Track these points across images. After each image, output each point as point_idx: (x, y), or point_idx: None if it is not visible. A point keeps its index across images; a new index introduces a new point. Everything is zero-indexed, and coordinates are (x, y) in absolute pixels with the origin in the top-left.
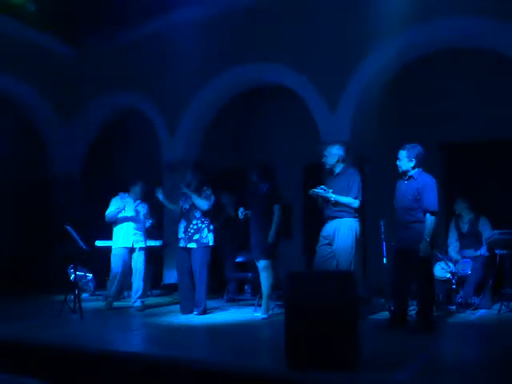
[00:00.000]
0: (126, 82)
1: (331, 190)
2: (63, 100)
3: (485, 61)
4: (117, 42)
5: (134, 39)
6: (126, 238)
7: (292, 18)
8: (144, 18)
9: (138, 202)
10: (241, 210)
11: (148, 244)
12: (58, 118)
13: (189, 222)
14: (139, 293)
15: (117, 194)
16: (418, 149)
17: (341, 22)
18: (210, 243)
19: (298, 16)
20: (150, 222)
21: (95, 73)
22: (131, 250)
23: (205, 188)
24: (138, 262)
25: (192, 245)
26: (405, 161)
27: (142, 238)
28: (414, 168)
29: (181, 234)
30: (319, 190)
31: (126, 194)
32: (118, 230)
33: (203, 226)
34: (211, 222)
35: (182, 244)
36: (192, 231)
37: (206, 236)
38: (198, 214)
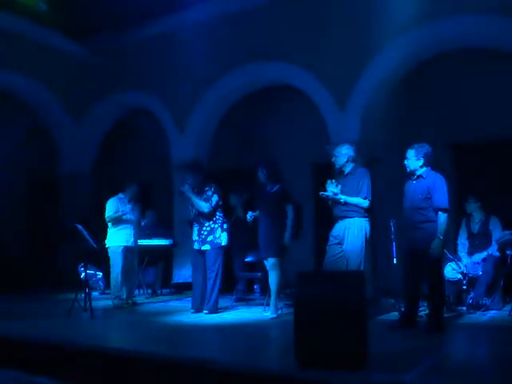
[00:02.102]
0: (135, 82)
1: (340, 186)
2: (73, 99)
3: (496, 60)
4: (126, 41)
5: (144, 38)
6: (128, 237)
7: (301, 16)
8: (154, 16)
9: (132, 203)
10: (249, 213)
11: (152, 243)
12: (68, 116)
13: (201, 224)
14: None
15: (115, 195)
16: (426, 148)
17: (351, 21)
18: (223, 243)
19: (307, 15)
20: (145, 221)
21: (105, 72)
22: (130, 249)
23: (206, 188)
24: (135, 261)
25: (206, 247)
26: (413, 160)
27: (136, 238)
28: (422, 167)
29: (195, 237)
30: (329, 193)
31: (122, 195)
32: (119, 230)
33: (216, 225)
34: (224, 221)
35: (196, 246)
36: (205, 233)
37: (220, 236)
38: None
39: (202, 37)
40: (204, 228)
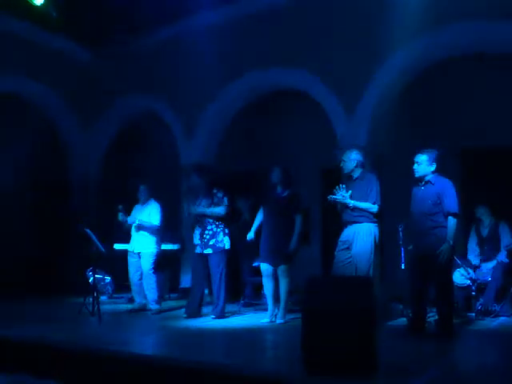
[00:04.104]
0: (143, 86)
1: (350, 192)
2: (82, 103)
3: (504, 65)
4: (135, 46)
5: (153, 44)
6: (131, 242)
7: (308, 22)
8: (163, 22)
9: (147, 203)
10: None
11: (161, 247)
12: (77, 121)
13: (203, 228)
14: (152, 297)
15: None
16: (436, 154)
17: (358, 26)
18: (226, 247)
19: (314, 20)
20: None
21: (114, 77)
22: (138, 255)
23: (215, 191)
24: (143, 266)
25: (208, 251)
26: (424, 165)
27: (145, 243)
28: (433, 172)
29: (196, 241)
30: (337, 196)
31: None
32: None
33: (218, 229)
34: (226, 226)
35: (198, 250)
36: (208, 237)
37: (222, 240)
38: (211, 219)
39: (211, 42)
40: (206, 231)
